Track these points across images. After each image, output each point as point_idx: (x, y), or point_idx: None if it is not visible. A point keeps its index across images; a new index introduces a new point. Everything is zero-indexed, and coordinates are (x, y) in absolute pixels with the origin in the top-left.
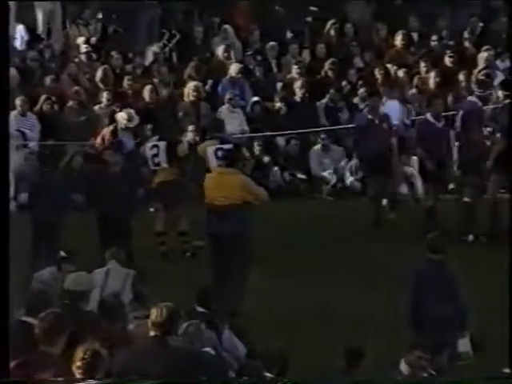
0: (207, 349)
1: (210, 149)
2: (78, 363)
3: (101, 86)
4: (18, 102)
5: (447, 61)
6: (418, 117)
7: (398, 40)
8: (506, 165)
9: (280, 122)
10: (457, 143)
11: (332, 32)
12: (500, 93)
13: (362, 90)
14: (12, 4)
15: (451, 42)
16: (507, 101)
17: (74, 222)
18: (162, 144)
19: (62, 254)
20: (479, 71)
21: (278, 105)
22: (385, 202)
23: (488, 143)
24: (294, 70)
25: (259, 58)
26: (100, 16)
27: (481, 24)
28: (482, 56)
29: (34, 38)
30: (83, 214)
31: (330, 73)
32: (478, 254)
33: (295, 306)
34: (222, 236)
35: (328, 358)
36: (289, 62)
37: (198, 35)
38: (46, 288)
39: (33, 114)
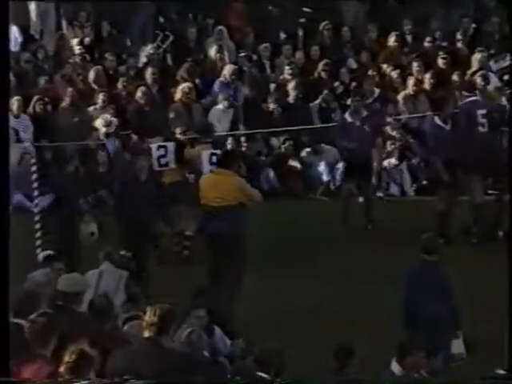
0: (205, 353)
1: (204, 153)
2: (65, 364)
3: (94, 86)
4: (11, 103)
5: (440, 62)
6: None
7: (392, 41)
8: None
9: (274, 123)
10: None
11: (325, 33)
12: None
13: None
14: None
15: (444, 43)
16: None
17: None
18: (171, 145)
19: (51, 252)
20: (473, 73)
21: (271, 106)
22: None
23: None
24: (286, 70)
25: (253, 58)
26: (94, 17)
27: (474, 25)
28: (476, 57)
29: (27, 39)
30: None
31: (323, 74)
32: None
33: (289, 305)
34: (218, 237)
35: (321, 358)
36: (282, 63)
37: (191, 36)
38: (39, 289)
39: (26, 115)
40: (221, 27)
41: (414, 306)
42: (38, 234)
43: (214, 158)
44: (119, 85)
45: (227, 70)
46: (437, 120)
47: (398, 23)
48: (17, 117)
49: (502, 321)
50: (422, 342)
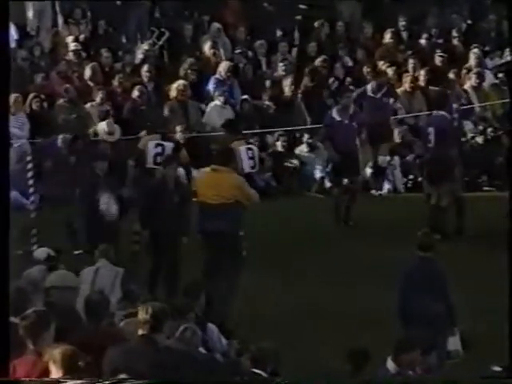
0: (201, 350)
1: (242, 148)
2: (52, 363)
3: (90, 83)
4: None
5: (437, 60)
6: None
7: (387, 38)
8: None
9: (269, 120)
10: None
11: (321, 30)
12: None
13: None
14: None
15: (440, 41)
16: None
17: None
18: (169, 145)
19: (51, 253)
20: (468, 70)
21: (266, 103)
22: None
23: None
24: (280, 67)
25: (248, 55)
26: (90, 14)
27: (470, 22)
28: (472, 54)
29: (23, 36)
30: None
31: (321, 70)
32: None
33: (284, 303)
34: (215, 235)
35: (317, 357)
36: (278, 60)
37: (187, 33)
38: (34, 286)
39: (22, 112)
40: (217, 24)
41: (409, 302)
42: (34, 232)
43: (251, 153)
44: (115, 82)
45: (222, 66)
46: (444, 115)
47: (394, 20)
48: (13, 114)
49: (498, 318)
50: (417, 339)
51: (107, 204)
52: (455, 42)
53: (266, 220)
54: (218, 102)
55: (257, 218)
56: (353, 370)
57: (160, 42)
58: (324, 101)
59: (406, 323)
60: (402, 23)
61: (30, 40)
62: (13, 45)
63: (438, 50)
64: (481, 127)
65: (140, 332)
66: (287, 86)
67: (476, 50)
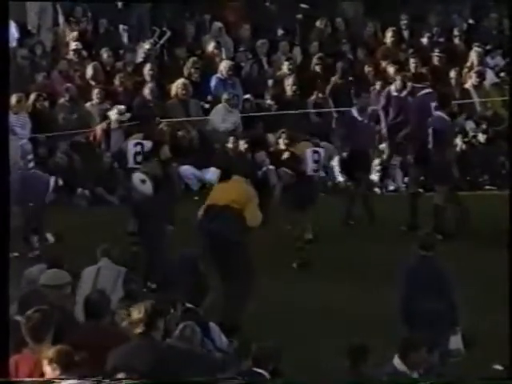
0: (200, 349)
1: (308, 150)
2: (47, 362)
3: (92, 82)
4: (12, 100)
5: (435, 59)
6: None
7: (388, 37)
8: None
9: (271, 119)
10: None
11: (323, 29)
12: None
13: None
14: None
15: (441, 39)
16: None
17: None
18: (148, 143)
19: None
20: (469, 69)
21: (268, 102)
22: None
23: None
24: (285, 66)
25: (250, 55)
26: (91, 13)
27: (471, 21)
28: (473, 53)
29: (24, 35)
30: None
31: (317, 68)
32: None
33: (289, 303)
34: (214, 235)
35: (322, 357)
36: (279, 59)
37: (189, 32)
38: (35, 286)
39: (24, 111)
40: (218, 23)
41: (411, 301)
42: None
43: (317, 156)
44: (116, 81)
45: (224, 66)
46: (445, 116)
47: (396, 19)
48: (15, 113)
49: (499, 316)
50: (424, 338)
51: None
52: (456, 40)
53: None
54: (226, 105)
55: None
56: (352, 366)
57: (161, 42)
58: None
59: (407, 322)
60: (403, 22)
61: (31, 39)
62: (14, 43)
63: (437, 50)
64: (483, 126)
65: (137, 331)
66: (289, 85)
67: (477, 49)
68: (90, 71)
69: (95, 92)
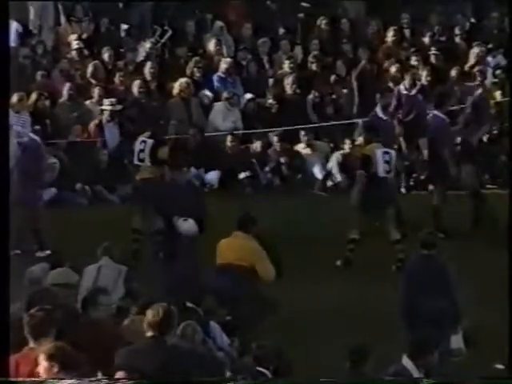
0: (203, 348)
1: (378, 152)
2: (45, 360)
3: (92, 81)
4: (13, 99)
5: (433, 58)
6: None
7: (390, 36)
8: None
9: (271, 119)
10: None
11: (324, 28)
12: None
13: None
14: None
15: (442, 38)
16: None
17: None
18: (150, 142)
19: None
20: (470, 68)
21: (269, 101)
22: None
23: None
24: (286, 65)
25: (251, 54)
26: (92, 12)
27: (472, 20)
28: (474, 52)
29: (26, 34)
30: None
31: (313, 66)
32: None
33: (292, 303)
34: (225, 294)
35: (328, 357)
36: (281, 58)
37: (190, 31)
38: (40, 285)
39: (25, 110)
40: (219, 22)
41: (413, 300)
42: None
43: (388, 157)
44: (116, 79)
45: (224, 64)
46: (442, 115)
47: (397, 18)
48: (17, 112)
49: (501, 315)
50: (434, 339)
51: None
52: (457, 39)
53: (270, 217)
54: (225, 103)
55: (261, 216)
56: (352, 367)
57: (162, 40)
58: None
59: (408, 321)
60: (404, 21)
61: (32, 38)
62: (15, 43)
63: (433, 48)
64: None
65: (149, 333)
66: (289, 84)
67: (478, 48)
68: (90, 70)
69: (95, 90)
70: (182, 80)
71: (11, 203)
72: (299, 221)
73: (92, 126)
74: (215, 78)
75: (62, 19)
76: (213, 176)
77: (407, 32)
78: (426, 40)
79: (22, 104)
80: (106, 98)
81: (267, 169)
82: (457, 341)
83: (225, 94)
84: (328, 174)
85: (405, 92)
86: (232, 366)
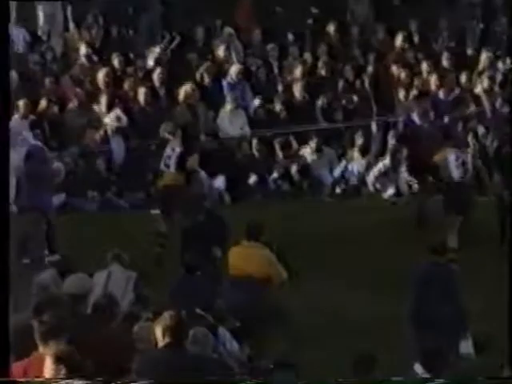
0: (214, 355)
1: (451, 157)
2: (55, 364)
3: (102, 88)
4: (20, 105)
5: (445, 63)
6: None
7: (399, 41)
8: None
9: (280, 124)
10: None
11: (333, 34)
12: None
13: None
14: (12, 6)
15: (452, 44)
16: None
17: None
18: (178, 149)
19: (57, 257)
20: (480, 73)
21: (278, 107)
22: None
23: None
24: (298, 70)
25: (260, 60)
26: (101, 18)
27: (482, 25)
28: (483, 58)
29: (35, 40)
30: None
31: (322, 72)
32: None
33: (303, 307)
34: (241, 309)
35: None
36: (290, 64)
37: (199, 37)
38: (47, 291)
39: (35, 116)
40: (228, 28)
41: (422, 306)
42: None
43: (461, 160)
44: (126, 86)
45: (233, 70)
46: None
47: (406, 23)
48: (25, 118)
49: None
50: (447, 347)
51: None
52: (467, 45)
53: (279, 223)
54: (229, 106)
55: (268, 222)
56: (359, 375)
57: (172, 46)
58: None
59: (418, 327)
60: (414, 26)
61: (41, 44)
62: (24, 49)
63: (446, 53)
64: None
65: (166, 340)
66: (298, 89)
67: (488, 53)
68: (101, 76)
69: (103, 96)
70: (187, 86)
71: (22, 210)
72: (308, 226)
73: (97, 137)
74: (224, 83)
75: (71, 25)
76: (221, 182)
77: (416, 38)
78: (435, 45)
79: (28, 109)
80: (115, 105)
81: (275, 175)
82: (466, 346)
83: (228, 98)
84: (337, 180)
85: (442, 98)
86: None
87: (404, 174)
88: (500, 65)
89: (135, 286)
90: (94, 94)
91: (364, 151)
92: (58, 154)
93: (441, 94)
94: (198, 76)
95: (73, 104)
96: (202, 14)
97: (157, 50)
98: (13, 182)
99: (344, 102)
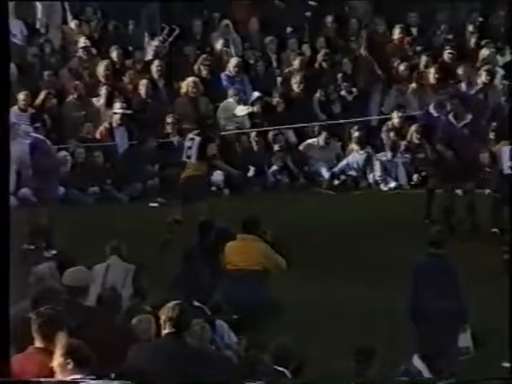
0: (212, 347)
1: (505, 148)
2: (63, 357)
3: (102, 80)
4: (19, 97)
5: (446, 56)
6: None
7: (396, 34)
8: None
9: (279, 117)
10: None
11: (331, 26)
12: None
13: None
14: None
15: (450, 36)
16: None
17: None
18: (198, 139)
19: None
20: (479, 67)
21: (276, 99)
22: None
23: None
24: (297, 61)
25: (258, 52)
26: (100, 11)
27: (480, 18)
28: (483, 51)
29: (33, 33)
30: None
31: (324, 64)
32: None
33: (300, 300)
34: (243, 305)
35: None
36: (288, 56)
37: (197, 30)
38: (44, 283)
39: (33, 109)
40: (226, 21)
41: (420, 299)
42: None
43: None
44: (125, 78)
45: (231, 63)
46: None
47: (405, 16)
48: (24, 110)
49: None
50: (446, 340)
51: None
52: (466, 38)
53: (278, 216)
54: (231, 100)
55: (267, 214)
56: (359, 368)
57: (170, 39)
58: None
59: (416, 321)
60: (412, 19)
61: (40, 37)
62: (23, 42)
63: (448, 47)
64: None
65: (167, 330)
66: (296, 82)
67: (487, 47)
68: (100, 69)
69: (103, 89)
70: (190, 79)
71: (24, 202)
72: (306, 219)
73: (102, 129)
74: (223, 76)
75: (70, 18)
76: (219, 175)
77: (414, 30)
78: (434, 38)
79: (27, 102)
80: (115, 97)
81: (274, 167)
82: (465, 339)
83: (230, 91)
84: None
85: (465, 91)
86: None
87: (402, 167)
88: (499, 57)
89: (134, 278)
90: (93, 87)
91: (363, 144)
92: (57, 147)
93: (463, 87)
94: (195, 69)
95: (72, 97)
96: (200, 7)
97: (155, 42)
98: (12, 173)
99: (344, 93)
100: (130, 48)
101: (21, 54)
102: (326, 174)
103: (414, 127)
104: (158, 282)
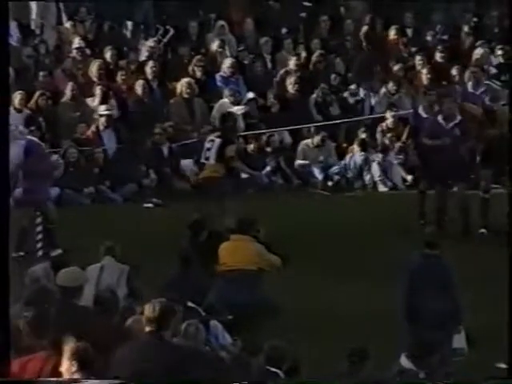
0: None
1: None
2: (70, 360)
3: (95, 81)
4: (14, 98)
5: (438, 56)
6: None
7: (392, 34)
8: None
9: (273, 118)
10: None
11: (326, 27)
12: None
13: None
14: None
15: (445, 37)
16: None
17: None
18: (218, 141)
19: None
20: (474, 66)
21: (271, 101)
22: None
23: None
24: (292, 62)
25: (253, 53)
26: (94, 12)
27: (475, 19)
28: (477, 52)
29: (28, 34)
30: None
31: (318, 65)
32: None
33: (295, 301)
34: (238, 307)
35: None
36: (283, 57)
37: (192, 31)
38: (37, 284)
39: (28, 110)
40: (221, 22)
41: (415, 300)
42: (39, 229)
43: None
44: (118, 79)
45: (226, 63)
46: (439, 118)
47: (400, 17)
48: (19, 111)
49: (502, 314)
50: (438, 341)
51: None
52: (460, 38)
53: (273, 217)
54: (226, 100)
55: (263, 215)
56: (352, 369)
57: (165, 40)
58: None
59: (411, 321)
60: (407, 19)
61: (34, 38)
62: (17, 43)
63: (440, 47)
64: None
65: (147, 329)
66: (291, 83)
67: (481, 47)
68: (93, 69)
69: (97, 90)
70: (185, 80)
71: (19, 204)
72: (304, 220)
73: (89, 133)
74: (218, 77)
75: (64, 18)
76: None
77: (409, 31)
78: (429, 39)
79: (22, 103)
80: (108, 98)
81: (268, 168)
82: (459, 340)
83: (226, 92)
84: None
85: (471, 91)
86: (238, 366)
87: (398, 168)
88: (493, 58)
89: (128, 279)
90: (87, 87)
91: (366, 146)
92: (52, 148)
93: (469, 87)
94: (190, 69)
95: (66, 97)
96: (195, 8)
97: (150, 43)
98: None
99: (347, 94)
100: (125, 49)
101: (15, 55)
102: (320, 175)
103: (408, 128)
104: (152, 283)
